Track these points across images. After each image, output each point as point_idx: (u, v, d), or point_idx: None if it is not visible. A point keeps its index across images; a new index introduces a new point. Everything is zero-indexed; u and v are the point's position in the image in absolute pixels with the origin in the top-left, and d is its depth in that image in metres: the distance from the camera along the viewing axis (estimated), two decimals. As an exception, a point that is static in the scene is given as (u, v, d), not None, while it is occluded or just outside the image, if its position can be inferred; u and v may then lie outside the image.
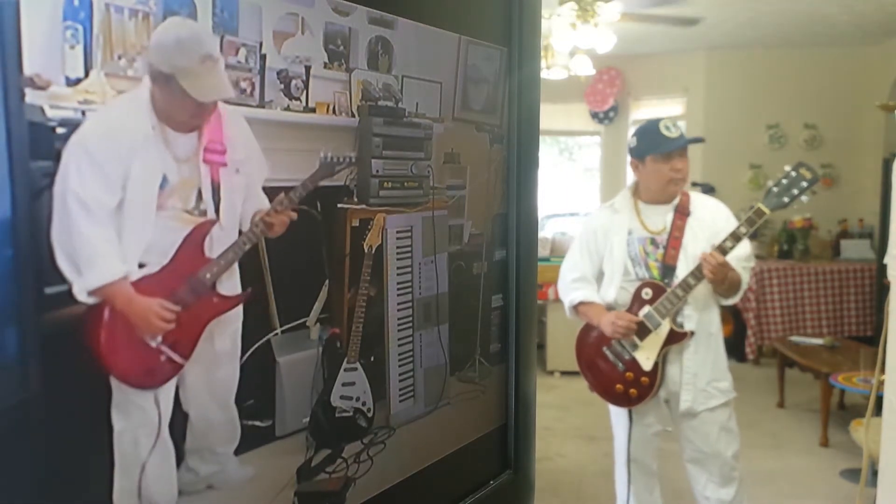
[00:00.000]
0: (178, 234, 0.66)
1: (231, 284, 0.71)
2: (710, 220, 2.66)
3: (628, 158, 2.77)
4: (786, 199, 2.50)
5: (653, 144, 2.62)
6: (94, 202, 0.59)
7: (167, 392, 0.67)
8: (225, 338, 0.72)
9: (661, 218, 2.66)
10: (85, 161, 0.58)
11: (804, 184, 2.49)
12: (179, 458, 0.68)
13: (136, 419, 0.64)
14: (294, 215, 0.75)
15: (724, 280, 2.50)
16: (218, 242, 0.70)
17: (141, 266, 0.63)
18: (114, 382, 0.62)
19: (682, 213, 2.65)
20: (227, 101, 0.69)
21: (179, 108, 0.65)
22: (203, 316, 0.69)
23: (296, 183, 0.76)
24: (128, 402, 0.63)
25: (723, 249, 2.46)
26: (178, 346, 0.67)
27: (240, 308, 0.73)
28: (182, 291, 0.67)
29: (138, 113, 0.61)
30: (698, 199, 2.73)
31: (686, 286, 2.52)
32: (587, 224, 2.84)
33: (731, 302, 2.69)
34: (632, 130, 2.97)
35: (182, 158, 0.66)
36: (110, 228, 0.60)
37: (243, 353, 0.74)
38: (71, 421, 0.60)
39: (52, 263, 0.57)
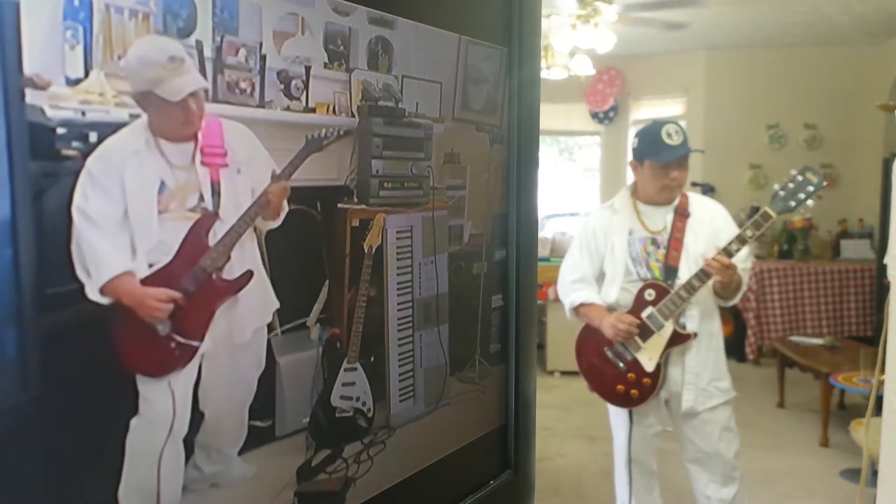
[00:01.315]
0: (182, 232, 0.68)
1: (239, 269, 0.72)
2: (710, 220, 2.66)
3: (629, 157, 2.78)
4: (792, 204, 2.51)
5: (652, 150, 2.62)
6: (100, 214, 0.61)
7: (184, 390, 0.68)
8: (246, 332, 0.74)
9: (661, 218, 2.66)
10: (88, 179, 0.59)
11: (811, 188, 2.50)
12: (188, 455, 0.69)
13: (150, 413, 0.65)
14: (287, 186, 0.76)
15: (731, 282, 2.50)
16: (221, 234, 0.71)
17: (151, 266, 0.65)
18: (135, 377, 0.64)
19: (682, 214, 2.65)
20: (225, 101, 0.70)
21: (169, 119, 0.66)
22: (208, 301, 0.70)
23: (296, 183, 0.77)
24: (143, 396, 0.64)
25: (728, 252, 2.47)
26: (188, 333, 0.68)
27: (269, 311, 0.75)
28: (187, 280, 0.68)
29: (132, 131, 0.63)
30: (697, 200, 2.73)
31: (690, 288, 2.52)
32: (586, 224, 2.84)
33: (730, 304, 2.69)
34: (632, 131, 2.98)
35: (179, 165, 0.67)
36: (117, 235, 0.62)
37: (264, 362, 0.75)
38: (87, 416, 0.60)
39: (56, 262, 0.58)
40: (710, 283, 2.54)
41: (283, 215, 0.75)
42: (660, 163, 2.58)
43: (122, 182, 0.62)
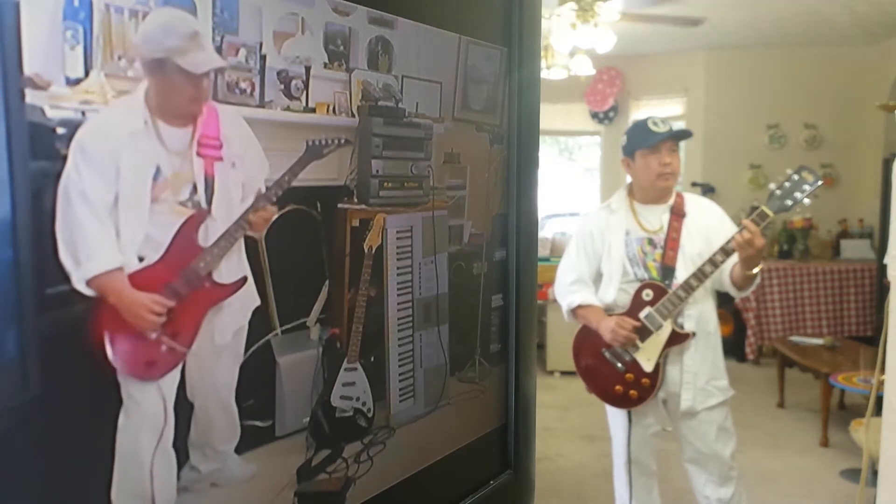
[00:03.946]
0: (173, 226, 0.66)
1: (230, 273, 0.72)
2: (705, 220, 2.66)
3: (621, 158, 2.78)
4: (789, 203, 2.50)
5: (640, 139, 2.63)
6: (93, 194, 0.59)
7: (170, 388, 0.67)
8: (227, 334, 0.72)
9: (657, 218, 2.67)
10: (80, 155, 0.58)
11: (807, 187, 2.50)
12: (184, 457, 0.68)
13: (138, 414, 0.64)
14: (273, 212, 0.75)
15: (756, 259, 2.47)
16: (213, 234, 0.70)
17: (140, 259, 0.64)
18: (120, 378, 0.63)
19: (678, 214, 2.65)
20: (225, 101, 0.70)
21: (176, 95, 0.65)
22: (200, 305, 0.70)
23: (296, 182, 0.77)
24: (129, 398, 0.63)
25: (725, 251, 2.47)
26: (178, 336, 0.67)
27: (247, 310, 0.73)
28: (177, 282, 0.67)
29: (130, 108, 0.62)
30: (692, 200, 2.74)
31: (688, 287, 2.52)
32: (583, 225, 2.84)
33: (744, 294, 2.69)
34: (629, 130, 2.98)
35: (175, 151, 0.66)
36: (108, 220, 0.61)
37: (244, 354, 0.74)
38: (75, 417, 0.60)
39: (54, 261, 0.57)
40: (708, 283, 2.55)
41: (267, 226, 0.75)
42: (650, 147, 2.59)
43: (117, 164, 0.61)
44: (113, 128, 0.61)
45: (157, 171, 0.64)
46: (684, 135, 2.68)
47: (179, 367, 0.68)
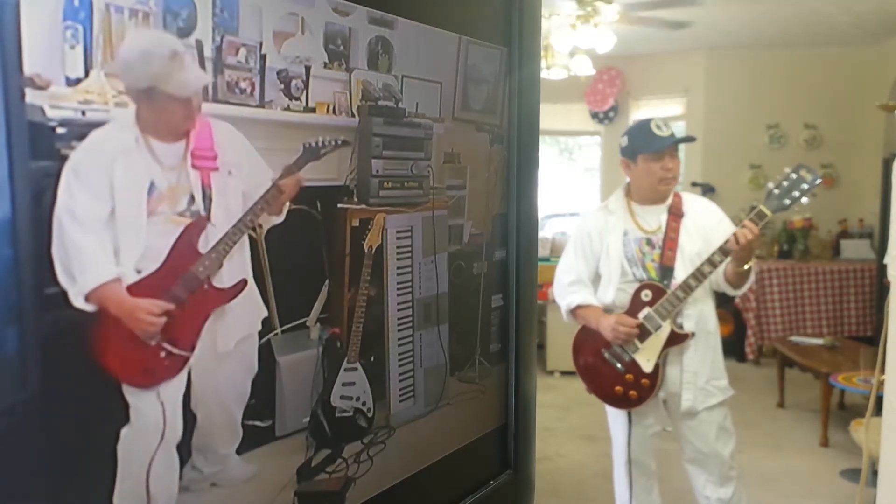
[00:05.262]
0: (172, 236, 0.66)
1: (231, 277, 0.71)
2: (703, 219, 2.66)
3: (620, 156, 2.77)
4: (787, 202, 2.50)
5: (644, 143, 2.62)
6: (83, 213, 0.59)
7: (173, 396, 0.67)
8: (230, 342, 0.72)
9: (655, 218, 2.66)
10: (71, 175, 0.58)
11: (805, 185, 2.49)
12: (186, 457, 0.68)
13: (142, 420, 0.64)
14: (301, 178, 0.75)
15: (749, 258, 2.49)
16: (213, 241, 0.70)
17: (138, 272, 0.64)
18: (124, 385, 0.63)
19: (677, 214, 2.65)
20: (225, 101, 0.70)
21: (167, 117, 0.65)
22: (201, 310, 0.69)
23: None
24: (133, 404, 0.63)
25: (724, 252, 2.46)
26: (179, 342, 0.67)
27: (257, 320, 0.74)
28: (177, 288, 0.67)
29: (120, 128, 0.62)
30: (690, 200, 2.74)
31: (687, 288, 2.52)
32: (581, 226, 2.84)
33: (739, 292, 2.69)
34: (627, 131, 2.99)
35: (170, 166, 0.66)
36: (103, 236, 0.61)
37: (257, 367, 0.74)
38: (76, 423, 0.60)
39: (52, 266, 0.57)
40: (707, 283, 2.55)
41: (285, 211, 0.75)
42: (655, 153, 2.59)
43: (110, 180, 0.61)
44: (103, 146, 0.60)
45: (152, 185, 0.64)
46: (689, 141, 2.68)
47: (184, 375, 0.68)
